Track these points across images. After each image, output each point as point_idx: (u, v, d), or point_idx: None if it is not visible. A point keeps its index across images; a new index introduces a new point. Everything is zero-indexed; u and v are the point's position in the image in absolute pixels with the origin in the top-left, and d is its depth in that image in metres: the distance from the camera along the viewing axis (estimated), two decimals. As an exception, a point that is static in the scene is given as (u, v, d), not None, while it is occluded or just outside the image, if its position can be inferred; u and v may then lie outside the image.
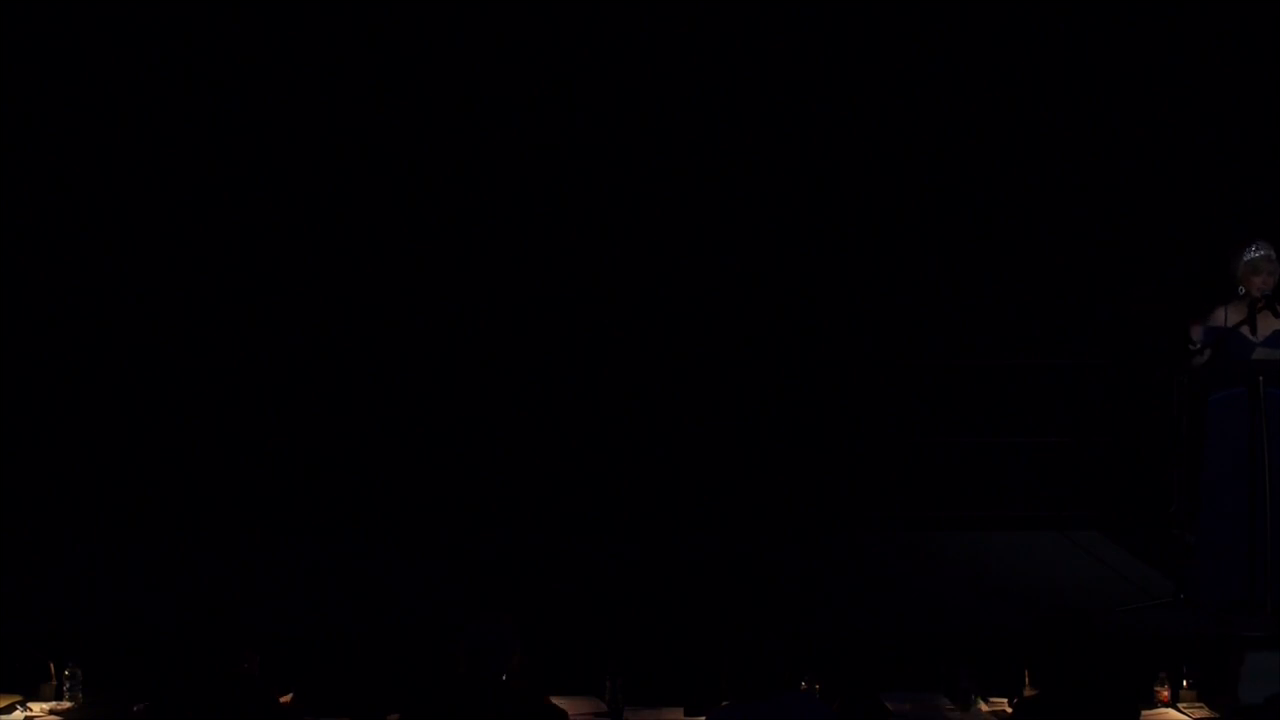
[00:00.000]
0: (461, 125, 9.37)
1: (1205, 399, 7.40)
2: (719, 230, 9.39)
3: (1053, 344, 9.42)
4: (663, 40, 9.33)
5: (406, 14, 9.30)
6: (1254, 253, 7.27)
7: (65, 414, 9.19)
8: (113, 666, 6.44)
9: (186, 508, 9.07)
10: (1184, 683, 6.29)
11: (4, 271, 9.16)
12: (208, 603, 5.13)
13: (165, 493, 9.12)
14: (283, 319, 9.32)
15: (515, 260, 9.37)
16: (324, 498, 9.14)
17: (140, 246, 9.28)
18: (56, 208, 9.27)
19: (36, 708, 6.17)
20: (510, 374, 9.33)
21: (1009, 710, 5.97)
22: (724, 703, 5.06)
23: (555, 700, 5.26)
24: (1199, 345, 7.33)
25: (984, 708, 6.12)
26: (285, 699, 5.78)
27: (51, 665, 6.30)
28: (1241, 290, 7.28)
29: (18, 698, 6.24)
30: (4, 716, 6.10)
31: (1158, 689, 6.24)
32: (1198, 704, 6.27)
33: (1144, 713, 5.58)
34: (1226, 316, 7.32)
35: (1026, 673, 5.49)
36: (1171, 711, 6.20)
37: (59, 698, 6.24)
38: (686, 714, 6.11)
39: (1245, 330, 7.28)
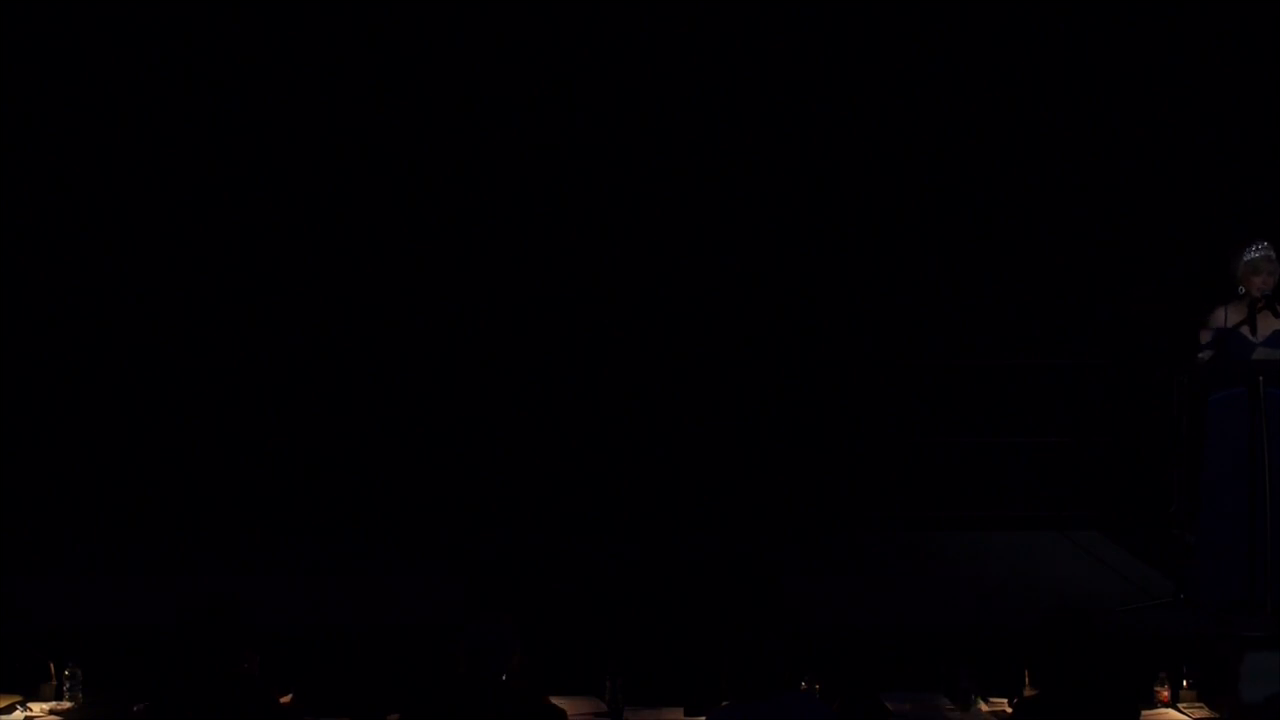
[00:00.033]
0: (461, 125, 9.37)
1: (1205, 399, 7.40)
2: (719, 230, 9.39)
3: (1053, 344, 9.43)
4: (663, 40, 9.33)
5: (406, 14, 9.30)
6: (1254, 253, 7.27)
7: (65, 414, 9.20)
8: (113, 666, 6.42)
9: (186, 507, 9.08)
10: (1184, 683, 6.28)
11: (4, 271, 9.17)
12: (208, 603, 5.11)
13: (165, 493, 9.13)
14: (282, 319, 9.33)
15: (515, 260, 9.37)
16: (324, 498, 9.15)
17: (140, 246, 9.29)
18: (56, 208, 9.28)
19: (36, 708, 6.16)
20: (510, 374, 9.33)
21: (1009, 710, 5.96)
22: (724, 703, 5.06)
23: (555, 700, 5.25)
24: (1207, 349, 7.34)
25: (984, 708, 6.11)
26: (285, 699, 5.77)
27: (51, 665, 6.29)
28: (1241, 290, 7.28)
29: (18, 698, 6.22)
30: (4, 716, 6.08)
31: (1158, 689, 6.23)
32: (1198, 704, 6.26)
33: (1144, 713, 5.58)
34: (1226, 316, 7.31)
35: (1026, 673, 5.48)
36: (1171, 711, 6.20)
37: (59, 698, 6.23)
38: (686, 714, 6.10)
39: (1245, 330, 7.28)
